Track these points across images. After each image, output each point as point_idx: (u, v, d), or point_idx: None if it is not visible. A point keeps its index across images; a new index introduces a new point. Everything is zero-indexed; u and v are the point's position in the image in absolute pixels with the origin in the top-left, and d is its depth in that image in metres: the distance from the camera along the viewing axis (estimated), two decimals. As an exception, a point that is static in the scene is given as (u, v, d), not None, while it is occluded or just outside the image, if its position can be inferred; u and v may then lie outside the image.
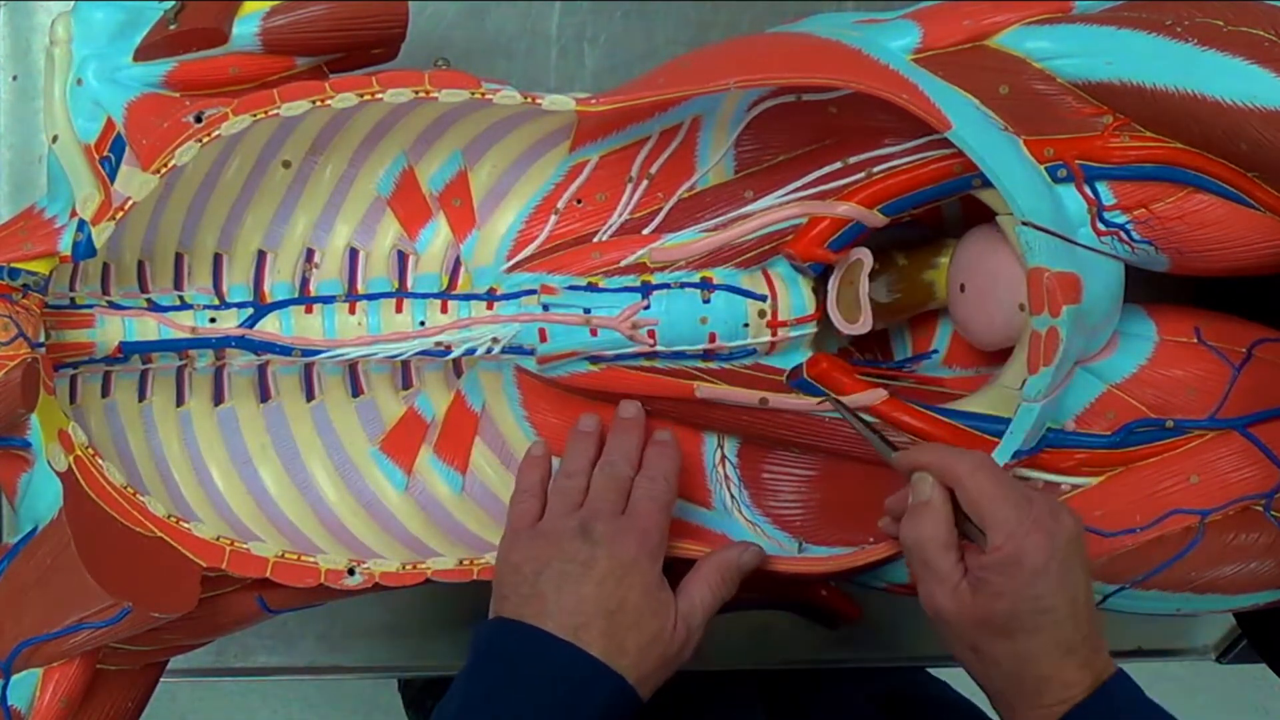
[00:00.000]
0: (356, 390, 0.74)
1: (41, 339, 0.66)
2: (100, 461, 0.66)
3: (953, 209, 0.75)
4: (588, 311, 0.71)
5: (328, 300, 0.72)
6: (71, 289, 0.70)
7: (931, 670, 0.96)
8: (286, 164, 0.71)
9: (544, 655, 0.62)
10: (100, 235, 0.65)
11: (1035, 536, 0.60)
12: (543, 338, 0.71)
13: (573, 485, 0.69)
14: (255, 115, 0.66)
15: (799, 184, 0.71)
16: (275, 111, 0.66)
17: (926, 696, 0.93)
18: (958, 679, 0.96)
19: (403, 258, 0.73)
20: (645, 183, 0.72)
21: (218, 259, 0.72)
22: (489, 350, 0.72)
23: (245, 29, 0.66)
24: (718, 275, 0.71)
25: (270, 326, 0.72)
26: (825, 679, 0.92)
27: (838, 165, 0.70)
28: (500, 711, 0.61)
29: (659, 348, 0.71)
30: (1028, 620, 0.60)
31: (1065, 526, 0.61)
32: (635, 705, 0.63)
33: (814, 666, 0.89)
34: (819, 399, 0.71)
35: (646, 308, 0.71)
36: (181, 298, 0.72)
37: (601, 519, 0.66)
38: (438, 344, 0.72)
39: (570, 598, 0.63)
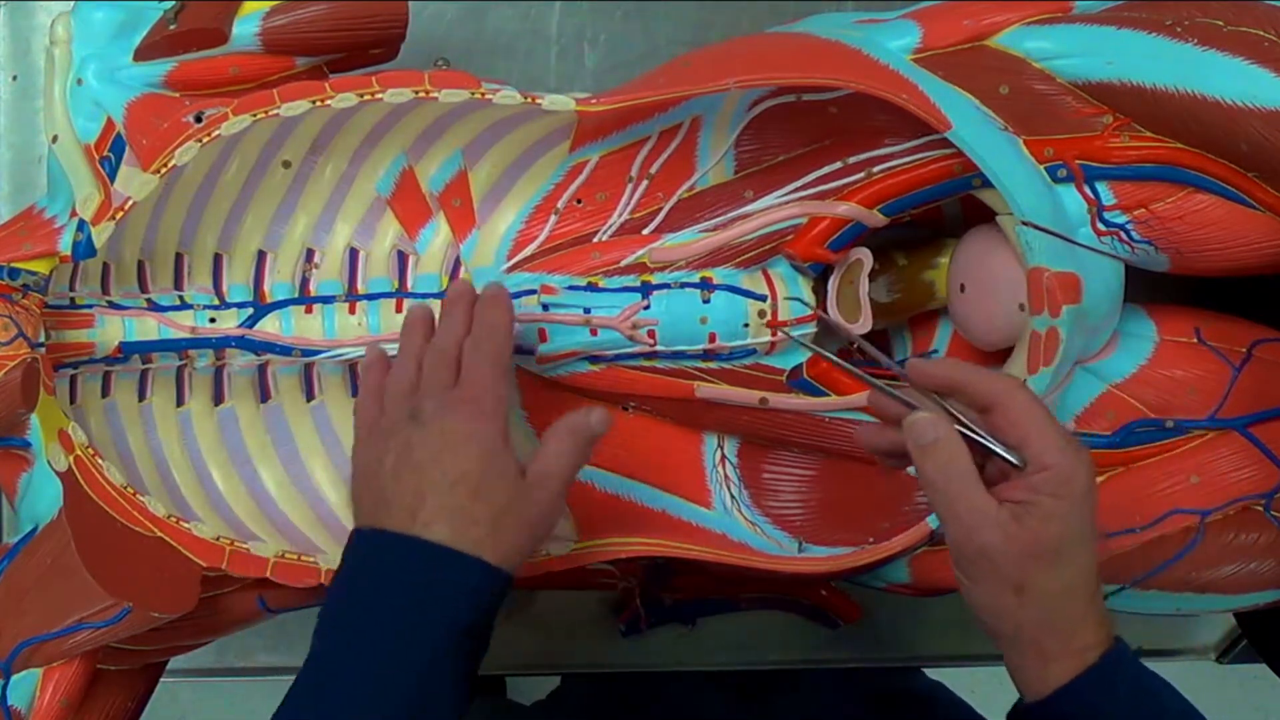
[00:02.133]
0: (357, 390, 0.74)
1: (41, 339, 0.66)
2: (100, 461, 0.66)
3: (953, 209, 0.75)
4: (588, 311, 0.71)
5: (328, 300, 0.72)
6: (71, 289, 0.70)
7: (930, 670, 0.96)
8: (286, 164, 0.71)
9: (392, 558, 0.60)
10: (100, 235, 0.65)
11: (1083, 455, 0.58)
12: (543, 337, 0.71)
13: (403, 375, 0.64)
14: (255, 115, 0.66)
15: (799, 184, 0.71)
16: (275, 111, 0.66)
17: (917, 695, 0.92)
18: (954, 679, 0.97)
19: (403, 258, 0.73)
20: (645, 183, 0.72)
21: (218, 259, 0.72)
22: (489, 350, 0.72)
23: (245, 29, 0.66)
24: (718, 275, 0.71)
25: (270, 326, 0.72)
26: (808, 679, 0.92)
27: (838, 165, 0.70)
28: (360, 628, 0.59)
29: (659, 348, 0.71)
30: (1075, 547, 0.58)
31: (1088, 456, 0.59)
32: (500, 580, 0.60)
33: (814, 666, 0.89)
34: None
35: (646, 308, 0.71)
36: (181, 298, 0.72)
37: (429, 396, 0.62)
38: (438, 344, 0.72)
39: (409, 482, 0.60)
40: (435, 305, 0.70)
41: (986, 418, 0.59)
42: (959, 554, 0.59)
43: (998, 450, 0.58)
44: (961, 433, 0.58)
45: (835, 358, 0.65)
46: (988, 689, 0.92)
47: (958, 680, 0.97)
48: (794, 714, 0.88)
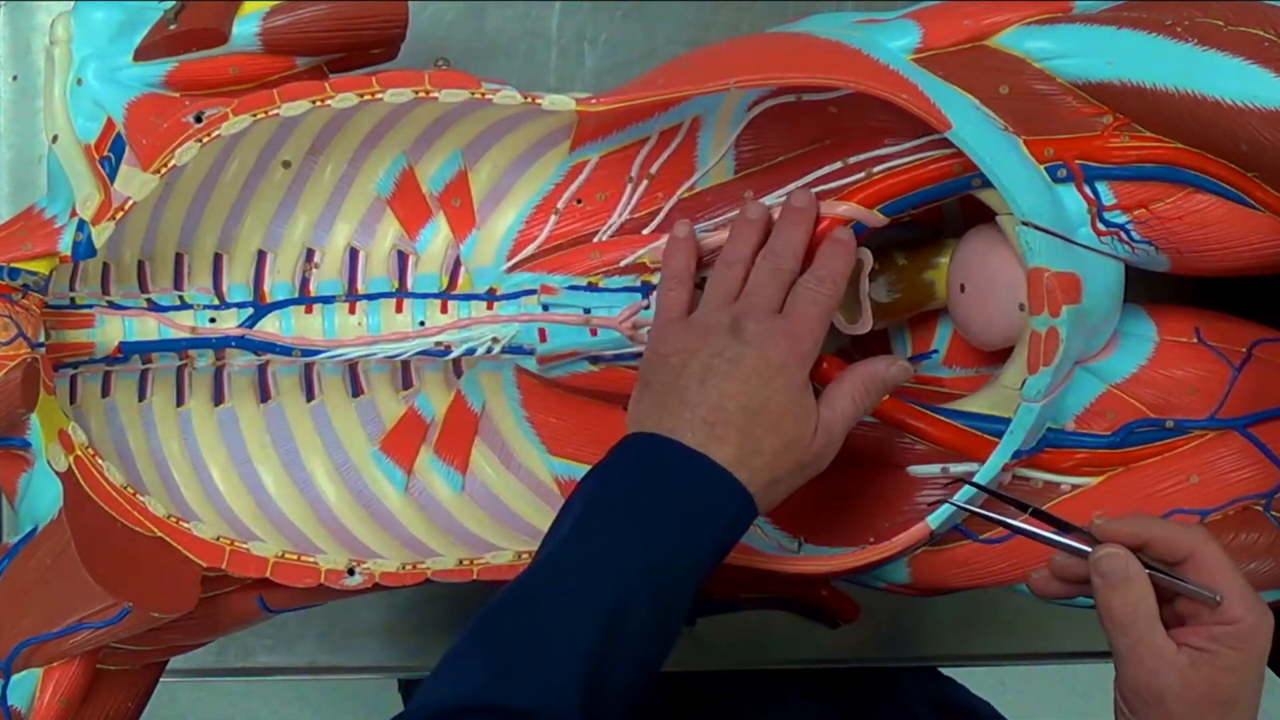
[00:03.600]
0: (356, 390, 0.74)
1: (41, 339, 0.66)
2: (100, 461, 0.66)
3: (953, 209, 0.75)
4: (588, 311, 0.71)
5: (328, 300, 0.72)
6: (71, 289, 0.70)
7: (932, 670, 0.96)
8: (286, 164, 0.71)
9: (675, 463, 0.61)
10: (100, 235, 0.65)
11: (1268, 613, 0.59)
12: (543, 338, 0.71)
13: (731, 275, 0.66)
14: (255, 115, 0.66)
15: (799, 184, 0.71)
16: (275, 111, 0.66)
17: (977, 713, 0.92)
18: (956, 679, 0.96)
19: (403, 258, 0.73)
20: (645, 183, 0.72)
21: (218, 259, 0.72)
22: (489, 350, 0.72)
23: (245, 29, 0.66)
24: (718, 275, 0.71)
25: (270, 326, 0.72)
26: (885, 677, 0.91)
27: (838, 165, 0.70)
28: (621, 520, 0.60)
29: (659, 348, 0.71)
30: (1246, 700, 0.58)
31: (1270, 614, 0.59)
32: (752, 515, 0.62)
33: (814, 666, 0.89)
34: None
35: (647, 308, 0.71)
36: (181, 298, 0.72)
37: (754, 317, 0.64)
38: (438, 344, 0.72)
39: (713, 393, 0.62)
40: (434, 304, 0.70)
41: (1177, 567, 0.60)
42: (1134, 695, 0.59)
43: (1194, 588, 0.59)
44: (1151, 575, 0.59)
45: (1020, 525, 0.64)
46: (987, 689, 0.92)
47: (957, 680, 0.97)
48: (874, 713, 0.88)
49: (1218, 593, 0.58)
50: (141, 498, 0.67)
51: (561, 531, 0.61)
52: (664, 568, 0.59)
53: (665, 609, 0.59)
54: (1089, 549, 0.60)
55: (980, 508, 0.67)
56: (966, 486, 0.67)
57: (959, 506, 0.67)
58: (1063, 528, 0.63)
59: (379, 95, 0.66)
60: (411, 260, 0.73)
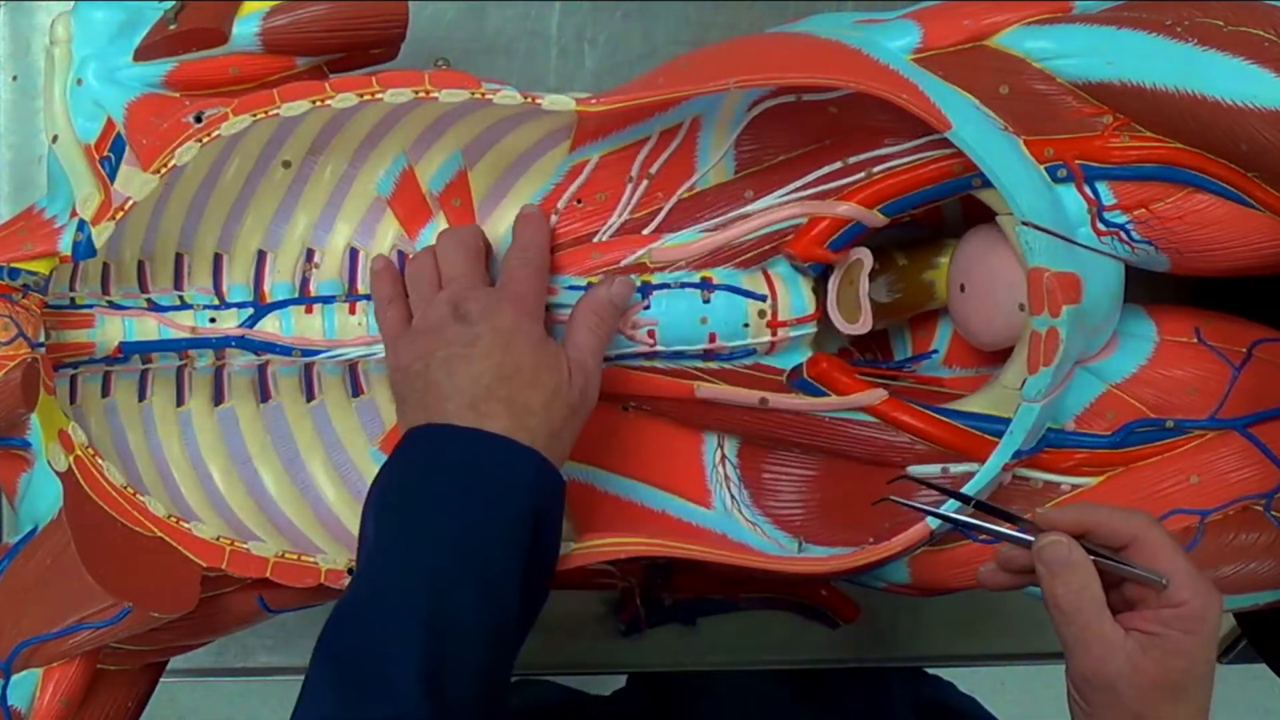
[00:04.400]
0: (356, 390, 0.74)
1: (41, 339, 0.66)
2: (100, 461, 0.66)
3: (953, 209, 0.75)
4: (588, 311, 0.71)
5: (328, 300, 0.72)
6: (71, 289, 0.70)
7: (929, 671, 0.96)
8: (286, 164, 0.71)
9: (456, 448, 0.62)
10: (100, 235, 0.65)
11: (1215, 595, 0.58)
12: (543, 338, 0.71)
13: (422, 269, 0.68)
14: (255, 115, 0.66)
15: (799, 184, 0.71)
16: (275, 111, 0.66)
17: (961, 712, 0.92)
18: (953, 679, 0.96)
19: (403, 258, 0.73)
20: (645, 183, 0.72)
21: (218, 259, 0.72)
22: (489, 350, 0.72)
23: (245, 29, 0.66)
24: (718, 275, 0.71)
25: (270, 326, 0.72)
26: (865, 676, 0.92)
27: (838, 165, 0.70)
28: (421, 513, 0.61)
29: (659, 347, 0.71)
30: (1197, 682, 0.58)
31: (1219, 596, 0.59)
32: (552, 472, 0.63)
33: (814, 666, 0.89)
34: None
35: (646, 308, 0.71)
36: (181, 298, 0.72)
37: (470, 297, 0.65)
38: (438, 344, 0.72)
39: (463, 377, 0.63)
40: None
41: (1120, 553, 0.59)
42: (1084, 682, 0.59)
43: (1139, 572, 0.58)
44: (1096, 561, 0.59)
45: (963, 519, 0.65)
46: (987, 689, 0.92)
47: (956, 680, 0.97)
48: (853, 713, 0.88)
49: (1164, 576, 0.58)
50: (141, 498, 0.67)
51: (368, 539, 0.61)
52: (476, 550, 0.60)
53: (491, 592, 0.59)
54: (1033, 539, 0.60)
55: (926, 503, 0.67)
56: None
57: (904, 504, 0.66)
58: (1007, 519, 0.63)
59: (379, 95, 0.66)
60: (411, 260, 0.73)
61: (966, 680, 0.95)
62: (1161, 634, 0.57)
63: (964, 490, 0.68)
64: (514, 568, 0.60)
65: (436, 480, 0.62)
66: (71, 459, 0.66)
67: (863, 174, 0.70)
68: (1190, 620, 0.57)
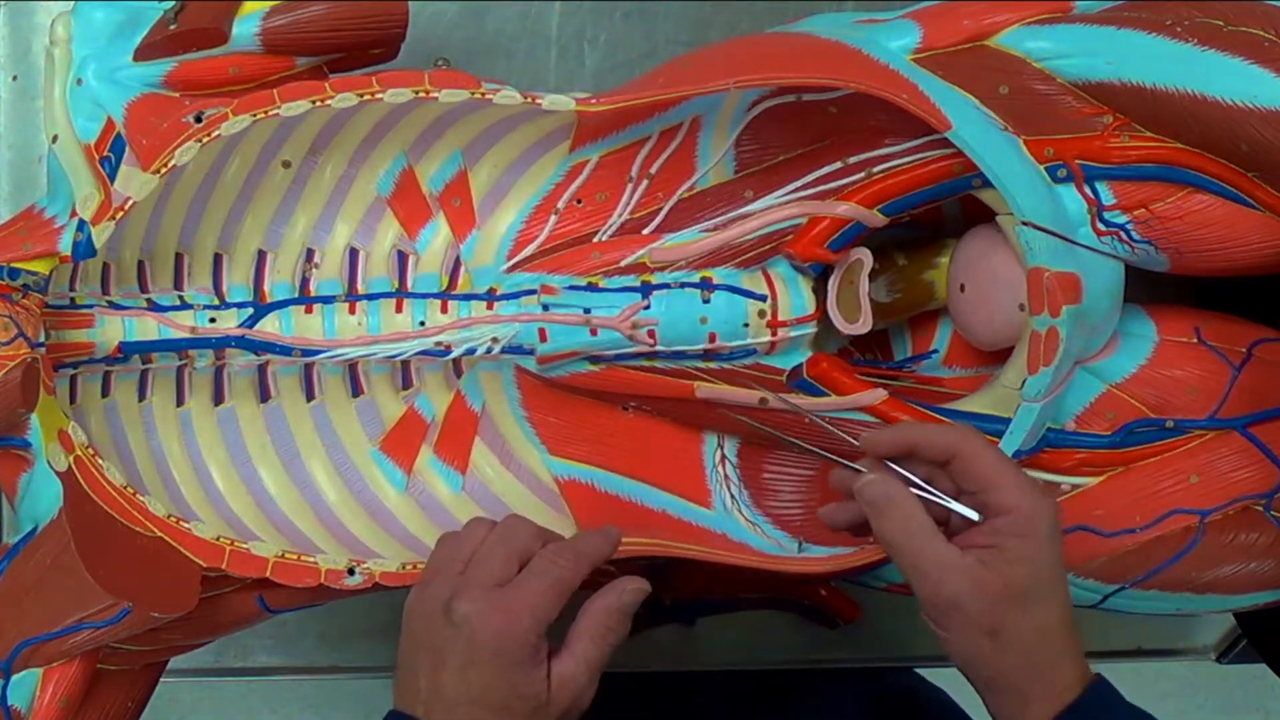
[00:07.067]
0: (356, 390, 0.74)
1: (41, 339, 0.66)
2: (100, 461, 0.66)
3: (953, 209, 0.75)
4: (588, 311, 0.71)
5: (328, 300, 0.72)
6: (71, 289, 0.70)
7: (928, 671, 0.96)
8: (286, 164, 0.71)
9: None
10: (100, 235, 0.65)
11: (1046, 499, 0.59)
12: (543, 338, 0.71)
13: (461, 544, 0.63)
14: (255, 115, 0.66)
15: (799, 184, 0.71)
16: (275, 111, 0.66)
17: (916, 700, 0.92)
18: (953, 679, 0.96)
19: (403, 258, 0.73)
20: (645, 183, 0.72)
21: (218, 259, 0.72)
22: (489, 350, 0.72)
23: (245, 29, 0.66)
24: (718, 275, 0.71)
25: (270, 326, 0.72)
26: (813, 677, 0.92)
27: (838, 165, 0.70)
28: None
29: (659, 348, 0.71)
30: (1045, 587, 0.58)
31: (1051, 498, 0.59)
32: None
33: (813, 666, 0.89)
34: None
35: (646, 308, 0.71)
36: (181, 298, 0.72)
37: (469, 595, 0.60)
38: (438, 344, 0.72)
39: (429, 679, 0.60)
40: (433, 304, 0.71)
41: (947, 470, 0.60)
42: (931, 608, 0.60)
43: (952, 505, 0.59)
44: (918, 495, 0.59)
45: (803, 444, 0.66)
46: (987, 689, 0.92)
47: (956, 680, 0.96)
48: (801, 714, 0.88)
49: (984, 494, 0.58)
50: (141, 498, 0.67)
51: None
52: None
53: None
54: (863, 470, 0.61)
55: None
56: None
57: (848, 465, 0.65)
58: (845, 456, 0.64)
59: (379, 95, 0.66)
60: (411, 260, 0.73)
61: (965, 680, 0.95)
62: (997, 544, 0.58)
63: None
64: None
65: None
66: (71, 459, 0.66)
67: (863, 174, 0.70)
68: (1022, 524, 0.58)
